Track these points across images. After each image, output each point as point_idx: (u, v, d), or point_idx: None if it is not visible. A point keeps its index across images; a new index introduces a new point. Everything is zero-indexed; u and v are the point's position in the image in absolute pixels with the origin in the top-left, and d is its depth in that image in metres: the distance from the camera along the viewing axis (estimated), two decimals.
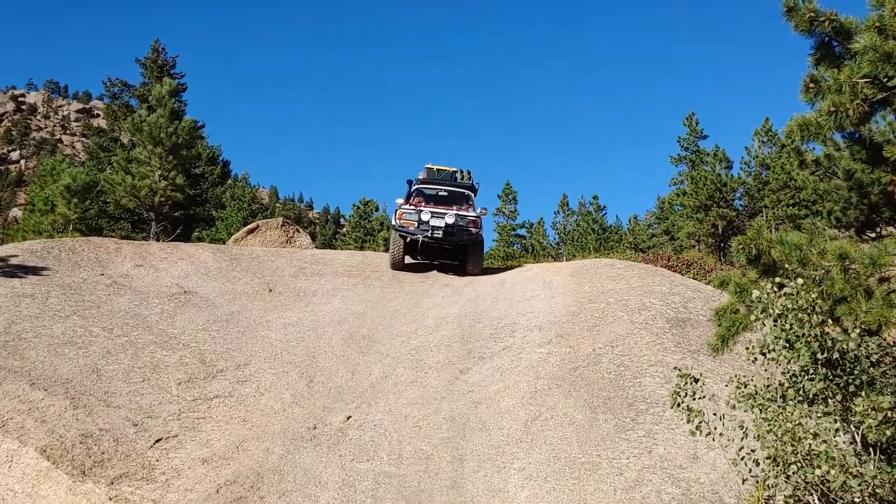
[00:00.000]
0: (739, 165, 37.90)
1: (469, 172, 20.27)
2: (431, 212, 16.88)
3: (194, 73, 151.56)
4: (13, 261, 13.83)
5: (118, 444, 8.77)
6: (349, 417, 9.58)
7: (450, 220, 16.74)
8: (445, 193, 18.59)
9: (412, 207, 17.20)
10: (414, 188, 18.75)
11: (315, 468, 8.41)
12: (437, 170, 19.77)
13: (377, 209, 47.70)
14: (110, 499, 7.90)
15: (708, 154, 38.35)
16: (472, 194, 18.84)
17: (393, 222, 17.62)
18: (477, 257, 17.26)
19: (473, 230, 17.02)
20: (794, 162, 11.23)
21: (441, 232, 16.72)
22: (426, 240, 16.89)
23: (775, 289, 6.16)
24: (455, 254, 17.50)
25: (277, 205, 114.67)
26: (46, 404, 9.25)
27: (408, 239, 17.06)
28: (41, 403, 9.26)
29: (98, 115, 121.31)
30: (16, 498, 8.29)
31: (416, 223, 16.82)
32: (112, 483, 8.11)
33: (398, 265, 17.14)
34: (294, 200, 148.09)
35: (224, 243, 24.94)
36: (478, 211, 17.78)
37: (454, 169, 20.02)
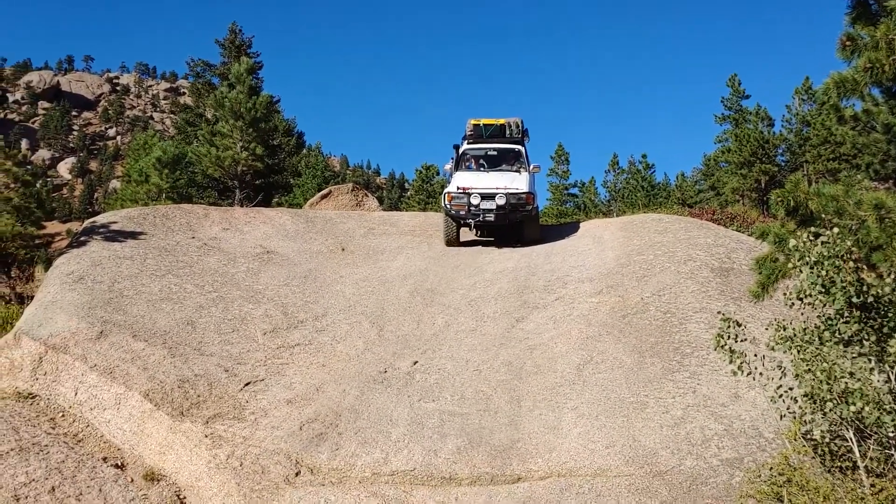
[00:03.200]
0: (781, 123, 37.01)
1: (520, 121, 17.15)
2: (481, 194, 14.87)
3: (270, 51, 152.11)
4: (113, 227, 14.25)
5: (212, 387, 9.09)
6: (416, 362, 9.72)
7: (500, 200, 14.78)
8: (495, 153, 16.57)
9: (461, 191, 15.00)
10: (462, 150, 16.95)
11: (386, 407, 8.59)
12: (484, 124, 16.93)
13: (437, 173, 47.73)
14: (206, 436, 8.22)
15: (751, 113, 37.42)
16: (524, 149, 16.79)
17: (443, 204, 15.48)
18: (533, 228, 15.46)
19: (528, 207, 15.07)
20: (832, 118, 10.86)
21: (493, 215, 14.86)
22: (479, 223, 15.11)
23: (811, 238, 6.05)
24: (511, 227, 15.50)
25: (348, 172, 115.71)
26: (147, 353, 9.62)
27: (460, 222, 15.25)
28: (143, 353, 9.63)
29: (184, 93, 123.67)
30: (125, 435, 8.71)
31: (466, 207, 14.86)
32: (207, 422, 8.43)
33: (453, 243, 15.32)
34: (363, 167, 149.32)
35: (300, 208, 25.26)
36: (531, 168, 16.06)
37: (503, 121, 16.98)
